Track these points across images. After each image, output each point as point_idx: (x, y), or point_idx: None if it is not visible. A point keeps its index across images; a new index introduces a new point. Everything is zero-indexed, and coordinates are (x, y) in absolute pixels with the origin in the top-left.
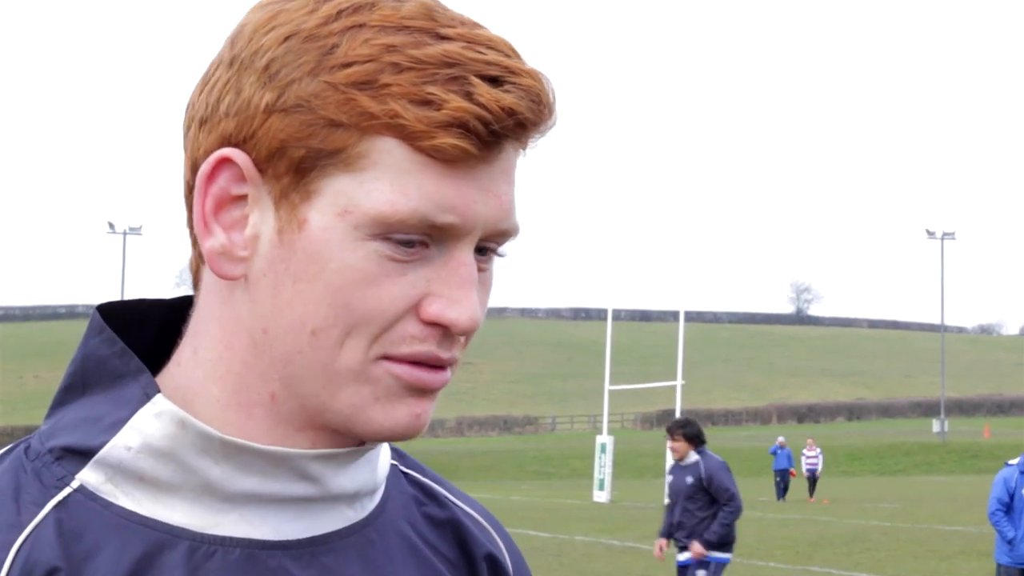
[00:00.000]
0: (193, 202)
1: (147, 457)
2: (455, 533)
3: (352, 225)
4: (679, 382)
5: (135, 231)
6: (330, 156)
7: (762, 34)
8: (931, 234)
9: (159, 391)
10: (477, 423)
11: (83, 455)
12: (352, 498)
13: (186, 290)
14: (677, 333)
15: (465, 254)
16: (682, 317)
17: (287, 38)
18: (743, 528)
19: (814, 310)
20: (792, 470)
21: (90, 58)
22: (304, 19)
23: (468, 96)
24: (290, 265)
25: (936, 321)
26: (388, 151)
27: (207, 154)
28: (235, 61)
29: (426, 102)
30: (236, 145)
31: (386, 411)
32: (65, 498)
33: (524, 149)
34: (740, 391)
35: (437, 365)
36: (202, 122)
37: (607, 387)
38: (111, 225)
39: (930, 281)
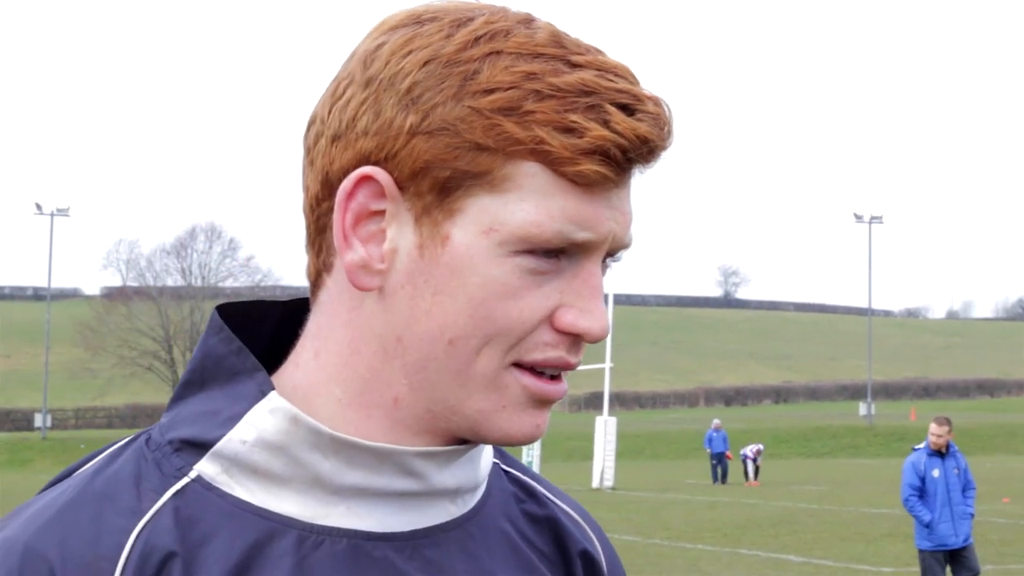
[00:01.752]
0: (333, 216)
1: (261, 450)
2: (552, 530)
3: (497, 242)
4: (607, 365)
5: (62, 212)
6: (475, 178)
7: (684, 16)
8: (859, 218)
9: (273, 388)
10: None
11: (201, 447)
12: (454, 494)
13: (113, 273)
14: None
15: (595, 266)
16: (611, 300)
17: (427, 62)
18: (672, 511)
19: (742, 293)
20: (728, 452)
21: (13, 36)
22: (442, 44)
23: (606, 124)
24: (431, 278)
25: (863, 305)
26: (532, 175)
27: (343, 170)
28: (372, 82)
29: (569, 130)
30: (376, 163)
31: (511, 419)
32: (183, 487)
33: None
34: (668, 374)
35: (563, 370)
36: (335, 138)
37: None
38: (38, 206)
39: (857, 265)
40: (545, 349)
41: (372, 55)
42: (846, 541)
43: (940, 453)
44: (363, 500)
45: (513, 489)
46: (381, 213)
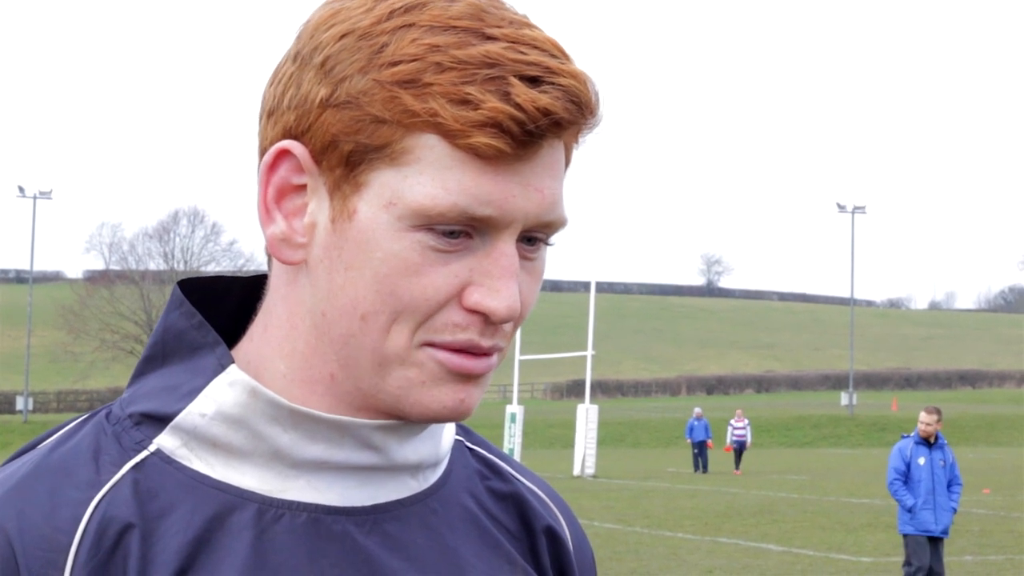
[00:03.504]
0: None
1: (220, 424)
2: (517, 506)
3: (396, 216)
4: (589, 352)
5: (45, 195)
6: (376, 151)
7: (670, 7)
8: (842, 208)
9: (233, 362)
10: None
11: (161, 421)
12: (415, 469)
13: (95, 257)
14: (588, 303)
15: (506, 244)
16: (593, 287)
17: (343, 36)
18: (653, 499)
19: (724, 282)
20: (709, 441)
21: None
22: (360, 18)
23: (505, 96)
24: (342, 252)
25: (846, 295)
26: (430, 147)
27: (272, 145)
28: (298, 57)
29: (464, 102)
30: (296, 137)
31: (431, 395)
32: (142, 460)
33: (575, 143)
34: (650, 362)
35: (479, 353)
36: (269, 114)
37: (517, 357)
38: (21, 189)
39: (840, 255)
40: (455, 331)
41: (302, 31)
42: (826, 531)
43: (928, 442)
44: (323, 474)
45: (477, 466)
46: (304, 188)
